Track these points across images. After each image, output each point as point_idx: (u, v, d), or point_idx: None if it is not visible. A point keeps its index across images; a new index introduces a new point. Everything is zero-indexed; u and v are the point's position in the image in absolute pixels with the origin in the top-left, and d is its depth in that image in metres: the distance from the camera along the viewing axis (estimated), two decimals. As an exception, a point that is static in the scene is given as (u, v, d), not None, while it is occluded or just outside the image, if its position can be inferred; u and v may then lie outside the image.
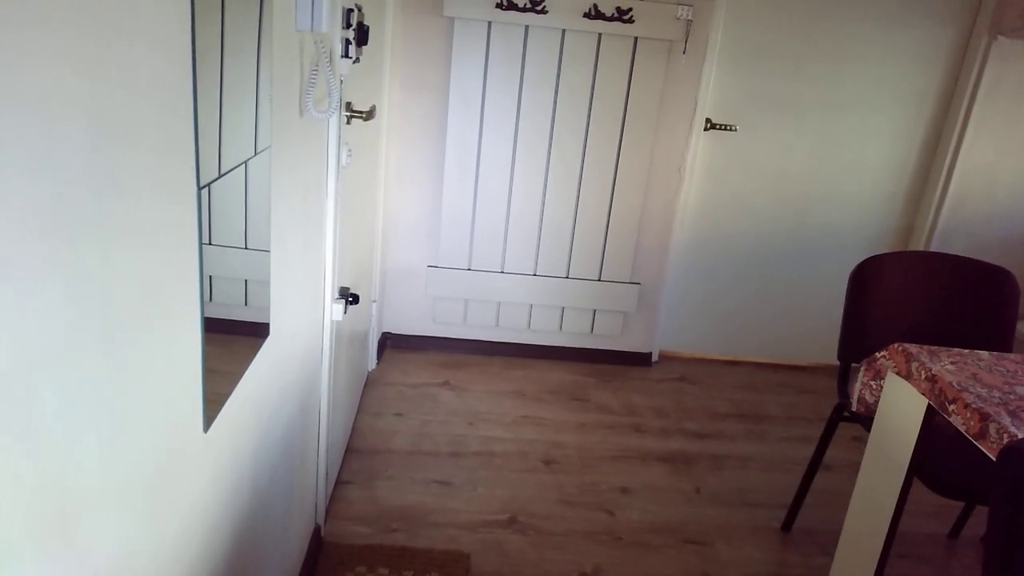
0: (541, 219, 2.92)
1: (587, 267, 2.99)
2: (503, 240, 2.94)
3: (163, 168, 0.76)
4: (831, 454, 2.63)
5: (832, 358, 3.29)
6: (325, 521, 2.00)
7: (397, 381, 2.82)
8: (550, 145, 2.83)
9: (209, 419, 0.97)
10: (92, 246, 0.63)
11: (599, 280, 3.01)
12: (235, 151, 0.99)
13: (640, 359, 3.18)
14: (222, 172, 0.95)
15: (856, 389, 1.76)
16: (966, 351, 1.58)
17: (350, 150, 1.85)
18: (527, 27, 2.68)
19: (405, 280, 3.03)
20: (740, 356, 3.31)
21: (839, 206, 3.10)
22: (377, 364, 2.93)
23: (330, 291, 1.74)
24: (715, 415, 2.82)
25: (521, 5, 2.62)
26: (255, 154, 1.08)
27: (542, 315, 3.06)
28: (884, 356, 1.64)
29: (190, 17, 0.80)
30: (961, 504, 2.32)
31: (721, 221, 3.09)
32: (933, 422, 1.51)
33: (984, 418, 1.30)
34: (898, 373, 1.58)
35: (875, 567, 1.61)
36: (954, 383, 1.41)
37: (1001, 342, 2.00)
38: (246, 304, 1.11)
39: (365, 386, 2.76)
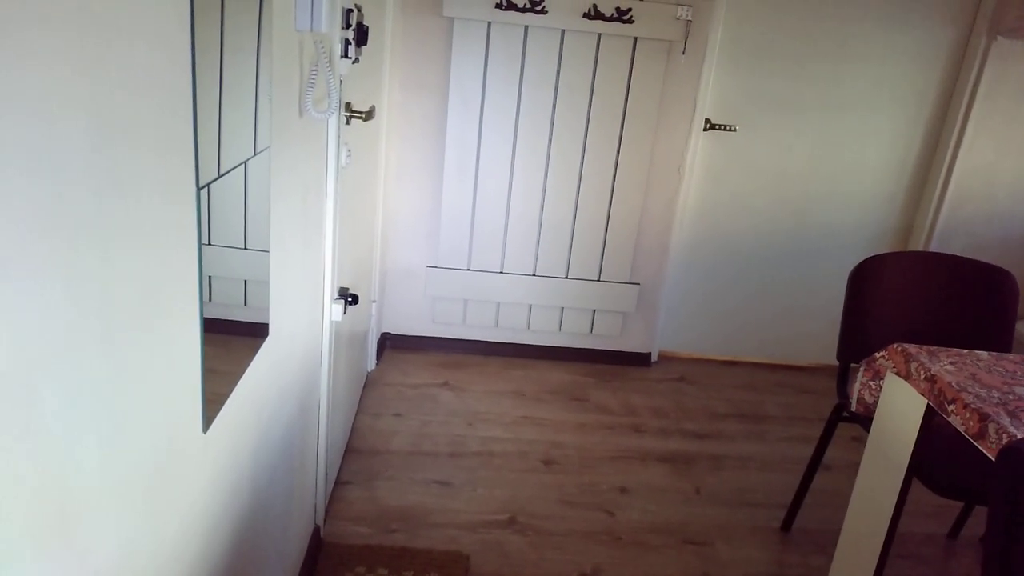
0: (541, 219, 2.92)
1: (586, 267, 2.99)
2: (502, 240, 2.94)
3: (163, 168, 0.76)
4: (830, 454, 2.63)
5: (831, 358, 3.29)
6: (324, 521, 2.00)
7: (396, 381, 2.82)
8: (550, 145, 2.83)
9: (208, 419, 0.97)
10: (92, 246, 0.63)
11: (598, 280, 3.01)
12: (234, 151, 0.99)
13: (639, 359, 3.18)
14: (221, 172, 0.95)
15: (855, 389, 1.76)
16: (965, 351, 1.58)
17: (349, 150, 1.85)
18: (527, 27, 2.68)
19: (404, 280, 3.03)
20: (739, 356, 3.31)
21: (839, 206, 3.10)
22: (376, 364, 2.93)
23: (329, 291, 1.74)
24: (714, 415, 2.82)
25: (520, 5, 2.62)
26: (254, 154, 1.08)
27: (541, 315, 3.06)
28: (883, 356, 1.64)
29: (190, 17, 0.80)
30: (960, 504, 2.32)
31: (720, 221, 3.09)
32: (932, 422, 1.52)
33: (983, 418, 1.30)
34: (897, 373, 1.58)
35: (874, 567, 1.61)
36: (953, 383, 1.41)
37: (1000, 342, 2.00)
38: (245, 304, 1.11)
39: (364, 386, 2.76)
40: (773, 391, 3.07)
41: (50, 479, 0.60)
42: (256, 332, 1.18)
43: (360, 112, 1.81)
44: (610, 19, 2.65)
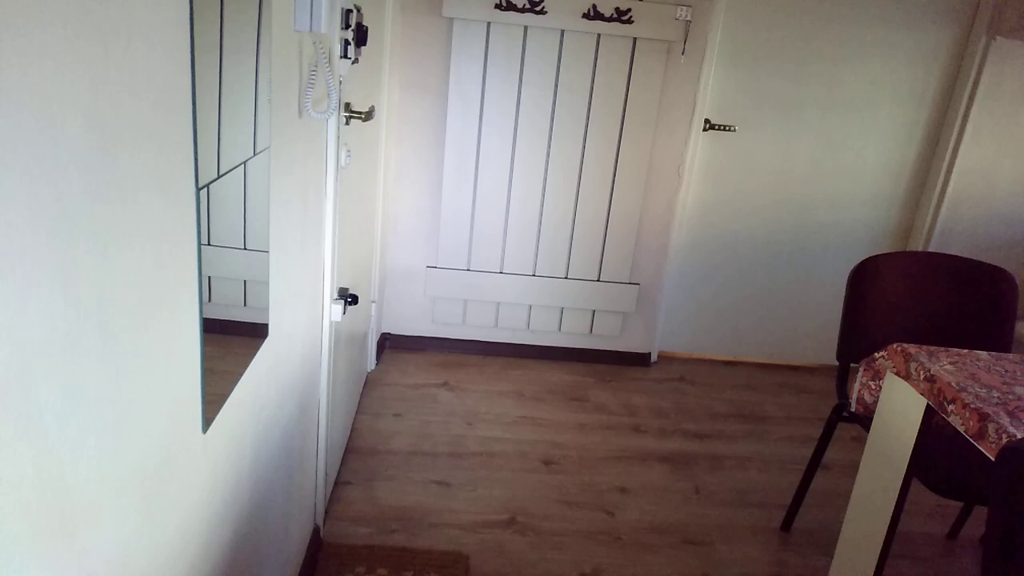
0: (540, 219, 2.92)
1: (586, 267, 2.99)
2: (502, 240, 2.94)
3: (162, 168, 0.76)
4: (830, 454, 2.63)
5: (831, 358, 3.29)
6: (324, 521, 2.00)
7: (396, 381, 2.82)
8: (549, 145, 2.83)
9: (208, 420, 0.97)
10: (91, 246, 0.63)
11: (598, 280, 3.01)
12: (234, 152, 0.99)
13: (639, 359, 3.18)
14: (221, 173, 0.95)
15: (855, 389, 1.76)
16: (965, 351, 1.58)
17: (349, 151, 1.85)
18: (526, 28, 2.68)
19: (404, 280, 3.03)
20: (739, 356, 3.31)
21: (838, 206, 3.10)
22: (376, 364, 2.93)
23: (329, 291, 1.74)
24: (714, 415, 2.82)
25: (520, 6, 2.62)
26: (254, 155, 1.08)
27: (541, 315, 3.06)
28: (883, 356, 1.64)
29: (189, 17, 0.80)
30: (960, 504, 2.32)
31: (720, 221, 3.09)
32: (932, 422, 1.52)
33: (983, 418, 1.30)
34: (897, 373, 1.58)
35: (874, 567, 1.61)
36: (953, 383, 1.41)
37: (1000, 342, 2.00)
38: (245, 304, 1.11)
39: (364, 386, 2.76)
40: (773, 391, 3.07)
41: (49, 479, 0.60)
42: (256, 332, 1.18)
43: (360, 112, 1.81)
44: (609, 19, 2.65)
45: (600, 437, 2.58)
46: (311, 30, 1.26)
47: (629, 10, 2.64)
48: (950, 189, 3.02)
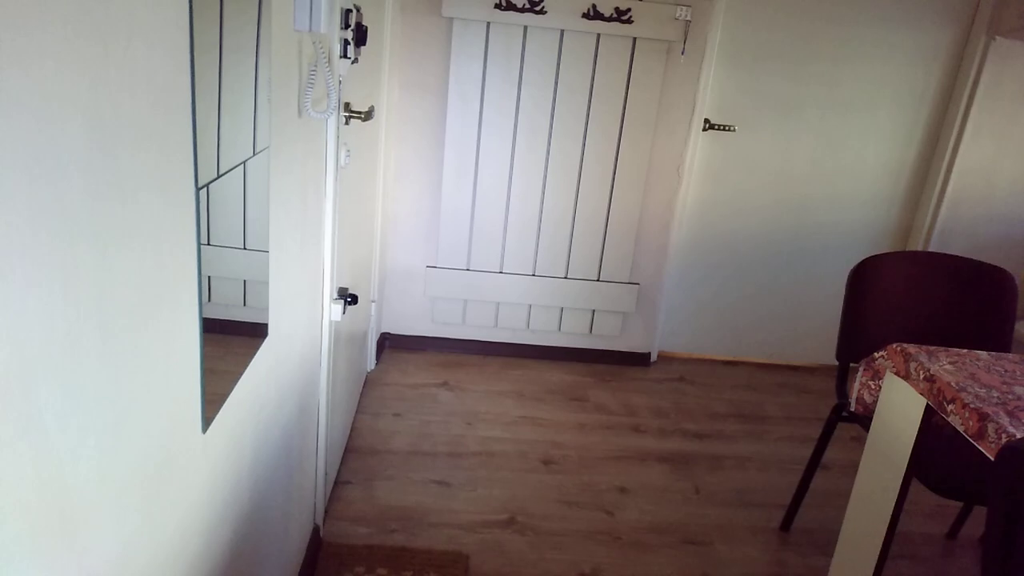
0: (540, 219, 2.92)
1: (586, 267, 2.99)
2: (502, 240, 2.94)
3: (162, 168, 0.76)
4: (830, 454, 2.63)
5: (831, 358, 3.29)
6: (324, 521, 2.00)
7: (396, 381, 2.82)
8: (549, 145, 2.83)
9: (208, 419, 0.97)
10: (91, 246, 0.63)
11: (598, 280, 3.01)
12: (234, 151, 0.99)
13: (639, 359, 3.18)
14: (221, 172, 0.95)
15: (855, 389, 1.76)
16: (964, 351, 1.58)
17: (349, 150, 1.85)
18: (526, 27, 2.68)
19: (404, 280, 3.03)
20: (739, 356, 3.32)
21: (838, 206, 3.10)
22: (376, 364, 2.93)
23: (329, 291, 1.74)
24: (714, 415, 2.82)
25: (520, 5, 2.62)
26: (254, 154, 1.08)
27: (541, 315, 3.06)
28: (883, 356, 1.64)
29: (188, 17, 0.80)
30: (959, 504, 2.32)
31: (720, 221, 3.09)
32: (931, 422, 1.52)
33: (982, 418, 1.30)
34: (896, 373, 1.58)
35: (874, 567, 1.61)
36: (952, 383, 1.41)
37: (999, 342, 2.00)
38: (245, 304, 1.11)
39: (364, 386, 2.76)
40: (773, 391, 3.07)
41: (49, 479, 0.60)
42: (255, 332, 1.18)
43: (359, 112, 1.81)
44: (609, 19, 2.65)
45: (600, 437, 2.58)
46: (311, 30, 1.26)
47: (629, 10, 2.64)
48: (950, 189, 3.03)
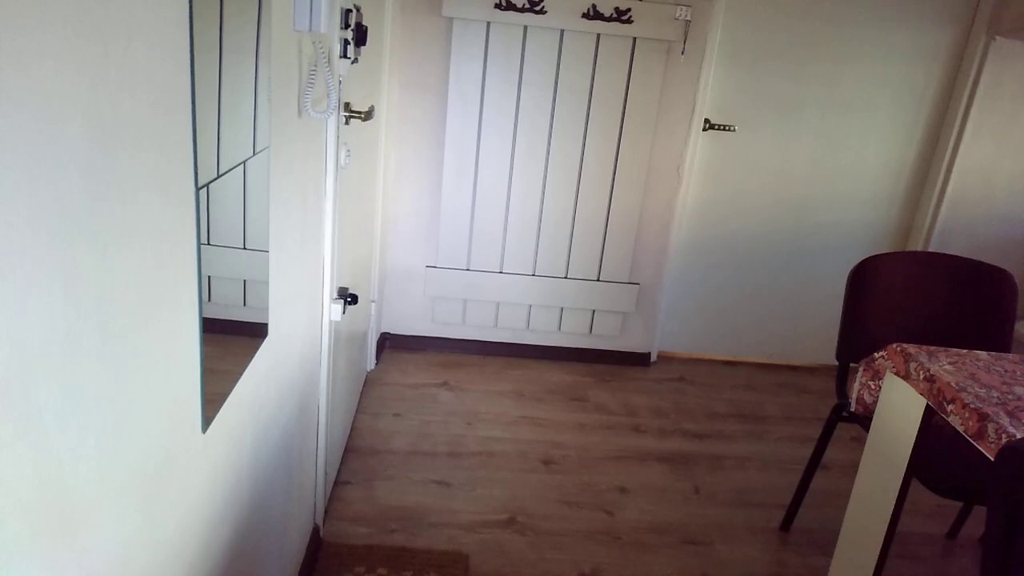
0: (540, 219, 2.92)
1: (586, 267, 2.99)
2: (502, 240, 2.94)
3: (162, 168, 0.76)
4: (830, 454, 2.63)
5: (831, 358, 3.29)
6: (324, 521, 2.00)
7: (396, 381, 2.82)
8: (549, 145, 2.83)
9: (208, 419, 0.97)
10: (91, 246, 0.63)
11: (598, 280, 3.01)
12: (234, 151, 0.99)
13: (639, 359, 3.18)
14: (221, 172, 0.95)
15: (855, 389, 1.76)
16: (964, 351, 1.58)
17: (349, 150, 1.85)
18: (526, 27, 2.68)
19: (404, 280, 3.03)
20: (739, 356, 3.32)
21: (838, 206, 3.10)
22: (376, 364, 2.93)
23: (329, 291, 1.74)
24: (714, 415, 2.82)
25: (520, 5, 2.62)
26: (254, 154, 1.08)
27: (541, 315, 3.06)
28: (883, 356, 1.64)
29: (188, 17, 0.80)
30: (959, 504, 2.32)
31: (720, 221, 3.09)
32: (931, 422, 1.52)
33: (982, 418, 1.30)
34: (896, 373, 1.58)
35: (874, 567, 1.61)
36: (952, 383, 1.41)
37: (999, 342, 2.00)
38: (245, 304, 1.11)
39: (364, 386, 2.76)
40: (773, 391, 3.07)
41: (49, 479, 0.60)
42: (255, 332, 1.18)
43: (359, 112, 1.81)
44: (609, 19, 2.65)
45: (600, 437, 2.58)
46: (311, 30, 1.26)
47: (629, 10, 2.64)
48: (950, 189, 3.03)
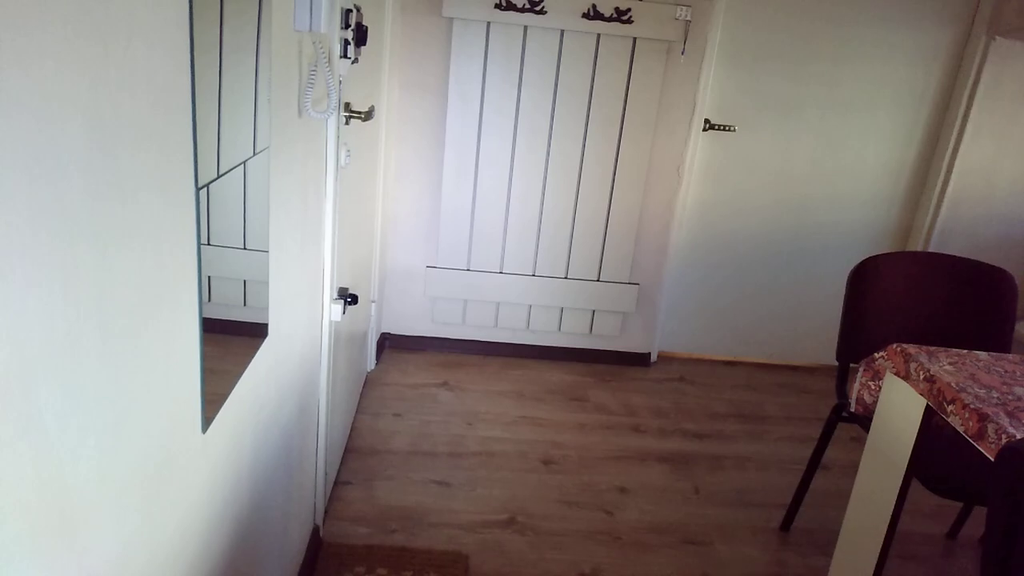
0: (540, 219, 2.92)
1: (586, 267, 2.99)
2: (502, 240, 2.94)
3: (162, 168, 0.76)
4: (830, 454, 2.63)
5: (831, 358, 3.29)
6: (324, 521, 2.00)
7: (396, 381, 2.82)
8: (549, 145, 2.83)
9: (208, 419, 0.97)
10: (91, 246, 0.63)
11: (598, 280, 3.01)
12: (234, 151, 0.99)
13: (639, 359, 3.18)
14: (221, 172, 0.95)
15: (855, 389, 1.76)
16: (964, 352, 1.58)
17: (349, 150, 1.85)
18: (526, 27, 2.68)
19: (404, 280, 3.03)
20: (739, 356, 3.32)
21: (838, 206, 3.10)
22: (376, 364, 2.93)
23: (329, 291, 1.74)
24: (714, 415, 2.82)
25: (520, 5, 2.62)
26: (254, 154, 1.08)
27: (541, 315, 3.06)
28: (883, 356, 1.64)
29: (188, 17, 0.80)
30: (959, 504, 2.32)
31: (720, 221, 3.09)
32: (931, 422, 1.52)
33: (982, 419, 1.30)
34: (896, 373, 1.58)
35: (873, 567, 1.61)
36: (952, 384, 1.41)
37: (999, 342, 2.00)
38: (245, 304, 1.11)
39: (364, 386, 2.76)
40: (773, 391, 3.07)
41: (49, 479, 0.60)
42: (255, 332, 1.18)
43: (359, 112, 1.81)
44: (609, 19, 2.65)
45: (600, 437, 2.58)
46: (311, 30, 1.26)
47: (629, 10, 2.64)
48: (950, 189, 3.03)
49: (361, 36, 1.73)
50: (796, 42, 2.87)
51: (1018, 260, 3.16)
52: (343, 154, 1.74)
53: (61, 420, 0.61)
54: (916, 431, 1.52)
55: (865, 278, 2.01)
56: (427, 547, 1.95)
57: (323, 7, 1.25)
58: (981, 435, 1.29)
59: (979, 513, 2.30)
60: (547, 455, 2.44)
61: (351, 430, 2.46)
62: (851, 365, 2.03)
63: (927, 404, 1.48)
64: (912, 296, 2.04)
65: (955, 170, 3.00)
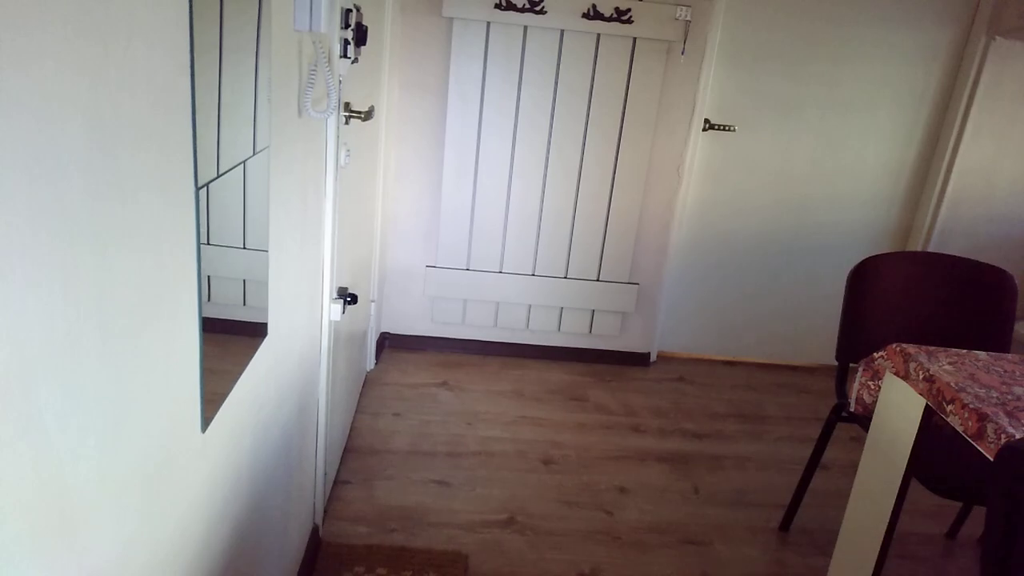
0: (540, 219, 2.92)
1: (586, 267, 2.99)
2: (502, 240, 2.94)
3: (161, 168, 0.76)
4: (829, 454, 2.63)
5: (831, 358, 3.29)
6: (323, 521, 2.00)
7: (395, 381, 2.82)
8: (549, 145, 2.83)
9: (207, 419, 0.97)
10: (91, 246, 0.63)
11: (597, 280, 3.01)
12: (233, 151, 0.99)
13: (639, 359, 3.18)
14: (220, 172, 0.95)
15: (854, 389, 1.76)
16: (964, 351, 1.59)
17: (349, 150, 1.85)
18: (526, 27, 2.68)
19: (404, 280, 3.03)
20: (738, 356, 3.32)
21: (837, 206, 3.10)
22: (376, 364, 2.93)
23: (328, 291, 1.74)
24: (713, 415, 2.82)
25: (520, 5, 2.62)
26: (253, 154, 1.08)
27: (541, 315, 3.07)
28: (882, 356, 1.64)
29: (189, 17, 0.80)
30: (959, 504, 2.32)
31: (720, 221, 3.09)
32: (931, 422, 1.52)
33: (982, 418, 1.30)
34: (896, 373, 1.58)
35: (873, 567, 1.62)
36: (952, 383, 1.41)
37: (999, 342, 2.00)
38: (244, 304, 1.11)
39: (363, 386, 2.76)
40: (772, 391, 3.07)
41: (49, 479, 0.60)
42: (255, 332, 1.18)
43: (359, 112, 1.81)
44: (609, 19, 2.65)
45: (599, 437, 2.59)
46: (311, 30, 1.26)
47: (629, 10, 2.64)
48: (950, 189, 3.03)
49: (361, 36, 1.73)
50: (796, 42, 2.87)
51: (1018, 260, 3.16)
52: (343, 154, 1.74)
53: (61, 420, 0.61)
54: (915, 431, 1.52)
55: (865, 278, 2.01)
56: (426, 547, 1.95)
57: (323, 7, 1.25)
58: (980, 435, 1.30)
59: (978, 513, 2.30)
60: (547, 455, 2.44)
61: (351, 430, 2.46)
62: (851, 365, 2.03)
63: (926, 404, 1.48)
64: (912, 296, 2.04)
65: (955, 170, 3.00)
